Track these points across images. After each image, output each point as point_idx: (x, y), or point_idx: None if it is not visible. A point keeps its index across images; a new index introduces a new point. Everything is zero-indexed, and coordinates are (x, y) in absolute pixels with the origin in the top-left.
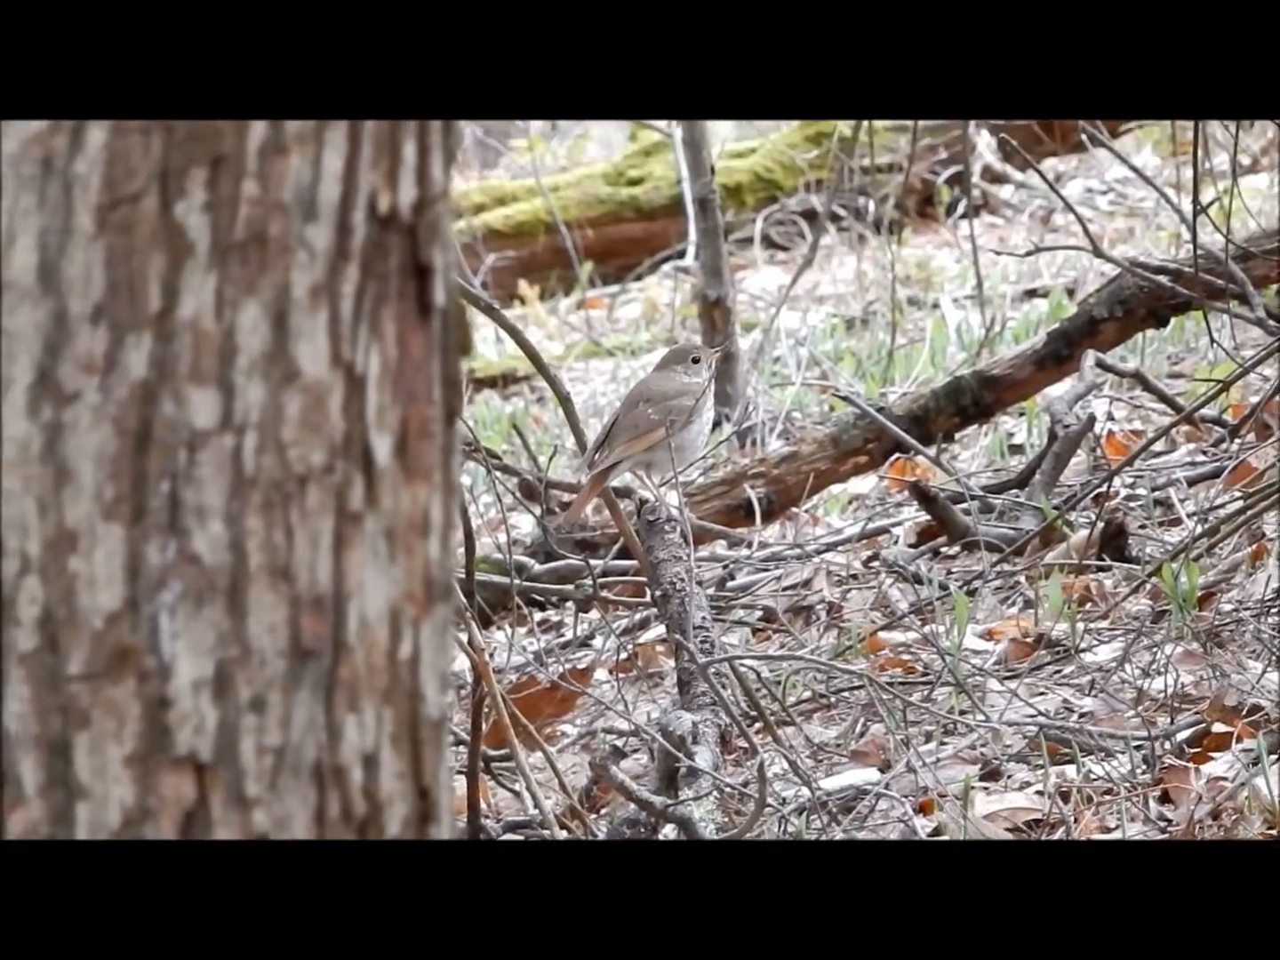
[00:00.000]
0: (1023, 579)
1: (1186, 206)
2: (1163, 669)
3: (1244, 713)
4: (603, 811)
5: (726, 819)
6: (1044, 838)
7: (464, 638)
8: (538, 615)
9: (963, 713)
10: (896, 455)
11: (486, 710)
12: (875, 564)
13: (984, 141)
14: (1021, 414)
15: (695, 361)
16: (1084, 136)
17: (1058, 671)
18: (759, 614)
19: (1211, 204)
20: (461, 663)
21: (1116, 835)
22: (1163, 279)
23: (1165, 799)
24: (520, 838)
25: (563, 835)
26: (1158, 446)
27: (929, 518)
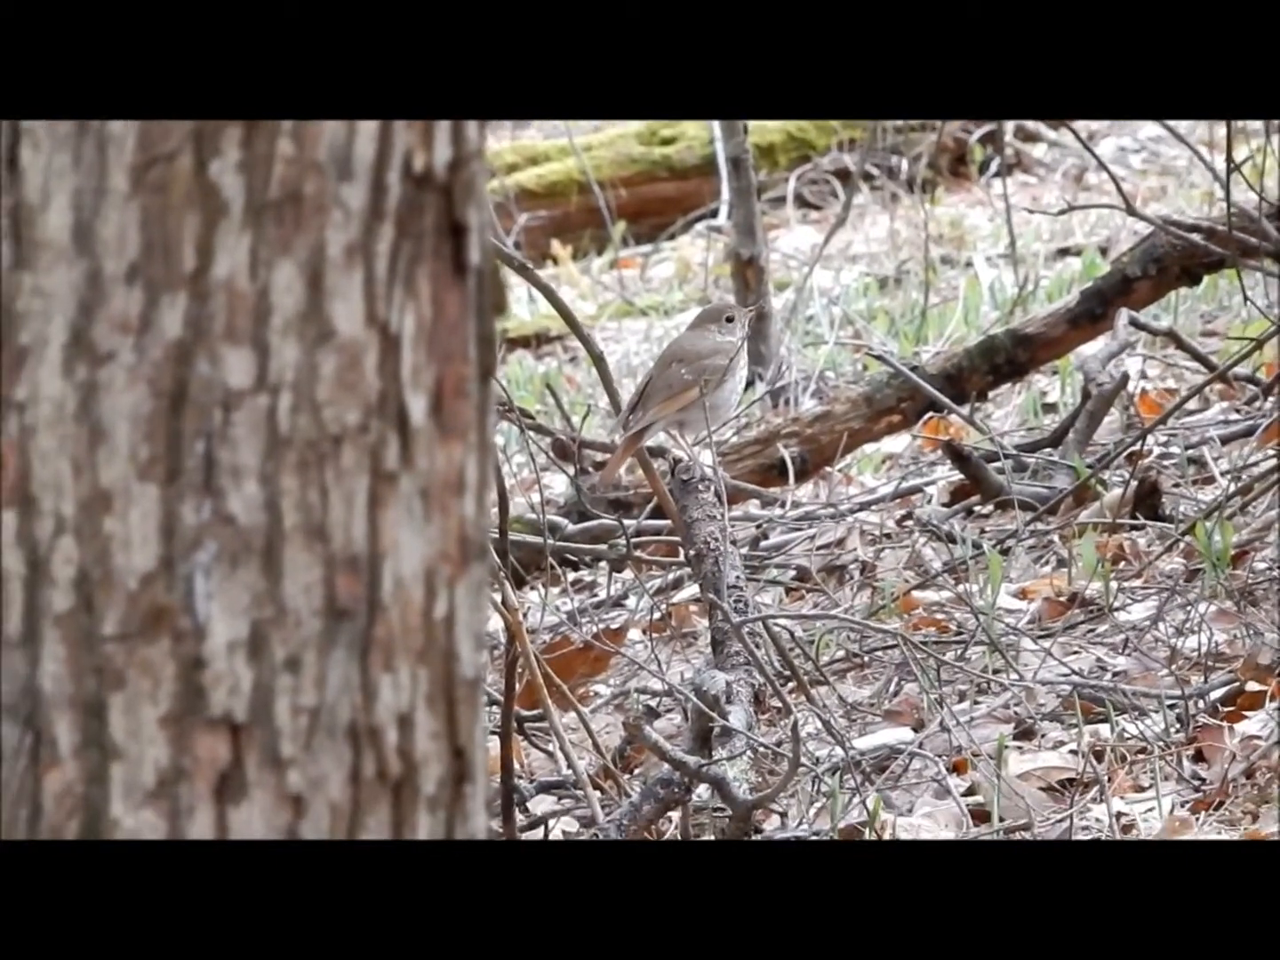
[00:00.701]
0: (1056, 538)
1: (1220, 164)
2: (1196, 628)
3: (1277, 671)
4: (636, 771)
5: (760, 779)
6: (1078, 797)
7: (498, 598)
8: (571, 575)
9: (996, 672)
10: (930, 414)
11: (520, 670)
12: (909, 523)
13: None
14: (1055, 373)
15: (729, 321)
16: None
17: (1091, 630)
18: (792, 573)
19: (1245, 161)
20: (495, 623)
21: (1150, 794)
22: (1196, 237)
23: (1199, 758)
24: (554, 799)
25: (596, 795)
26: (1191, 405)
27: (962, 477)
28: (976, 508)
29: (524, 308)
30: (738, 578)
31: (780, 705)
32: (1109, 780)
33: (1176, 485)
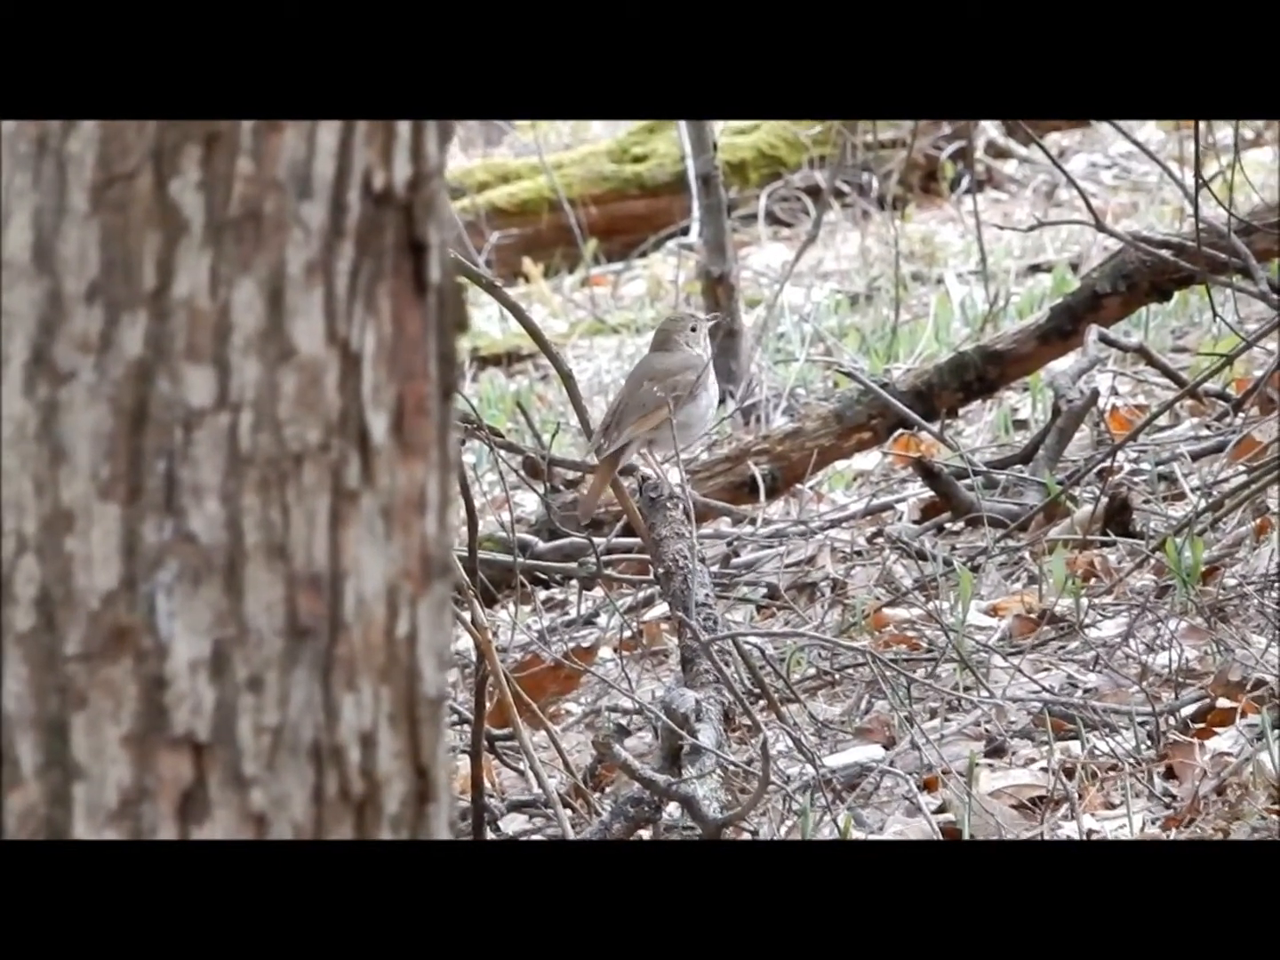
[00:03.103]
0: (1027, 554)
1: (1189, 181)
2: (1167, 644)
3: (1248, 688)
4: (606, 790)
5: (730, 797)
6: (1049, 815)
7: (467, 616)
8: (541, 593)
9: (967, 689)
10: (900, 431)
11: (490, 689)
12: (879, 540)
13: (988, 120)
14: (1025, 389)
15: (694, 331)
16: None
17: (1062, 647)
18: (763, 591)
19: (1214, 178)
20: (465, 641)
21: (1121, 811)
22: (1166, 253)
23: (1170, 775)
24: (524, 817)
25: (567, 814)
26: (1161, 421)
27: (933, 493)
28: (947, 525)
29: (495, 326)
30: (707, 595)
31: (750, 723)
32: (1080, 797)
33: (1147, 501)
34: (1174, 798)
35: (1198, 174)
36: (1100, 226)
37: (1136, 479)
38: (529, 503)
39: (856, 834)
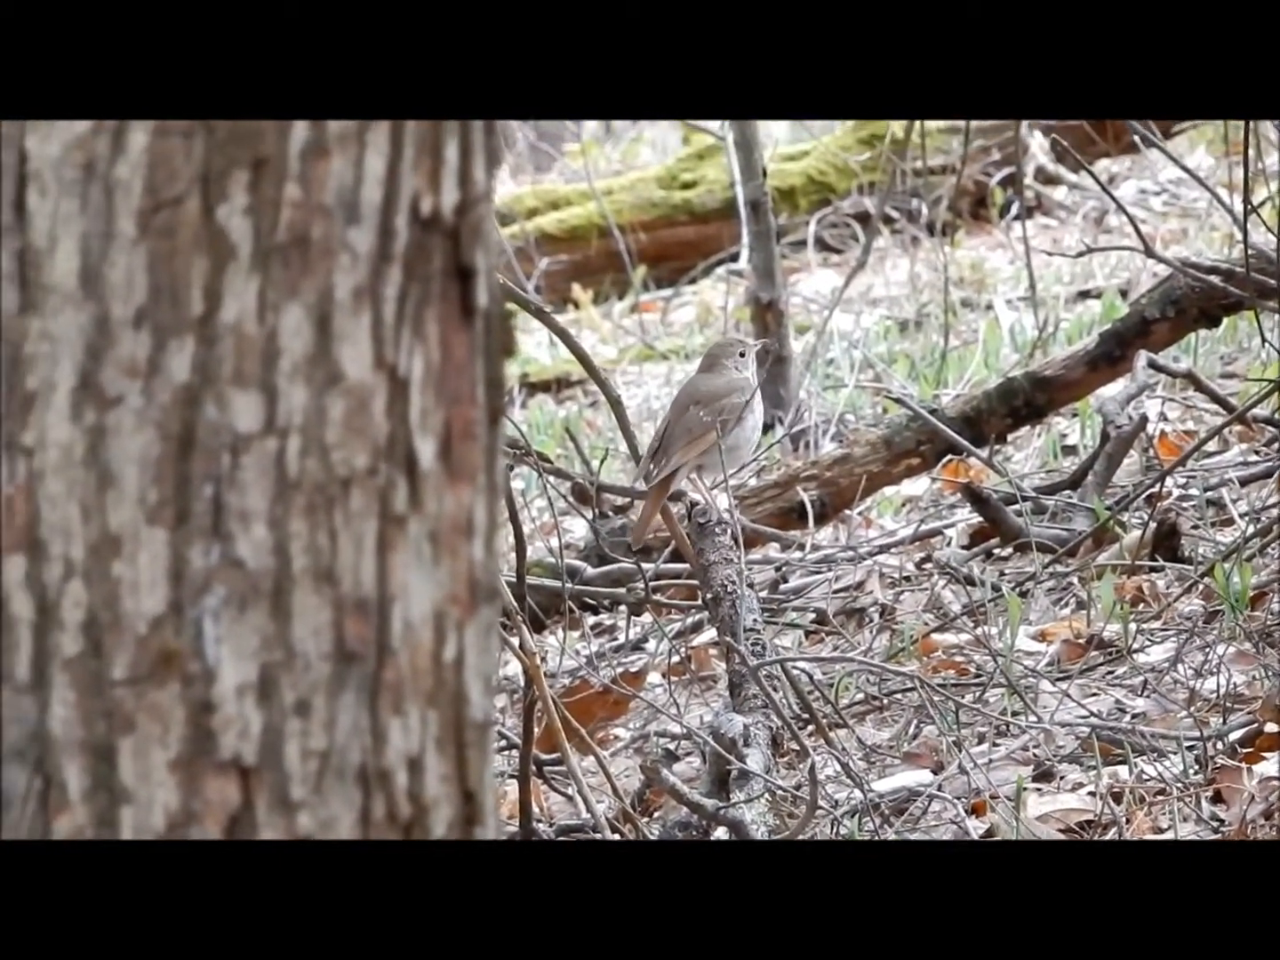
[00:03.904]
0: (1075, 580)
1: (1238, 206)
2: (1215, 669)
3: None
4: (655, 815)
5: (778, 821)
6: (1096, 839)
7: (516, 642)
8: (590, 619)
9: (1015, 714)
10: (949, 457)
11: (538, 714)
12: (928, 566)
13: (1036, 143)
14: (1074, 415)
15: (742, 355)
16: (1136, 137)
17: (1110, 672)
18: (811, 616)
19: (1263, 204)
20: (514, 667)
21: (1168, 836)
22: (1215, 279)
23: (1218, 799)
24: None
25: (615, 839)
26: (1210, 447)
27: (981, 519)
28: (995, 550)
29: (544, 352)
30: (755, 621)
31: (798, 748)
32: (1127, 822)
33: (1195, 527)
34: (1221, 822)
35: (1246, 199)
36: (1149, 252)
37: (1185, 504)
38: (578, 528)
39: None
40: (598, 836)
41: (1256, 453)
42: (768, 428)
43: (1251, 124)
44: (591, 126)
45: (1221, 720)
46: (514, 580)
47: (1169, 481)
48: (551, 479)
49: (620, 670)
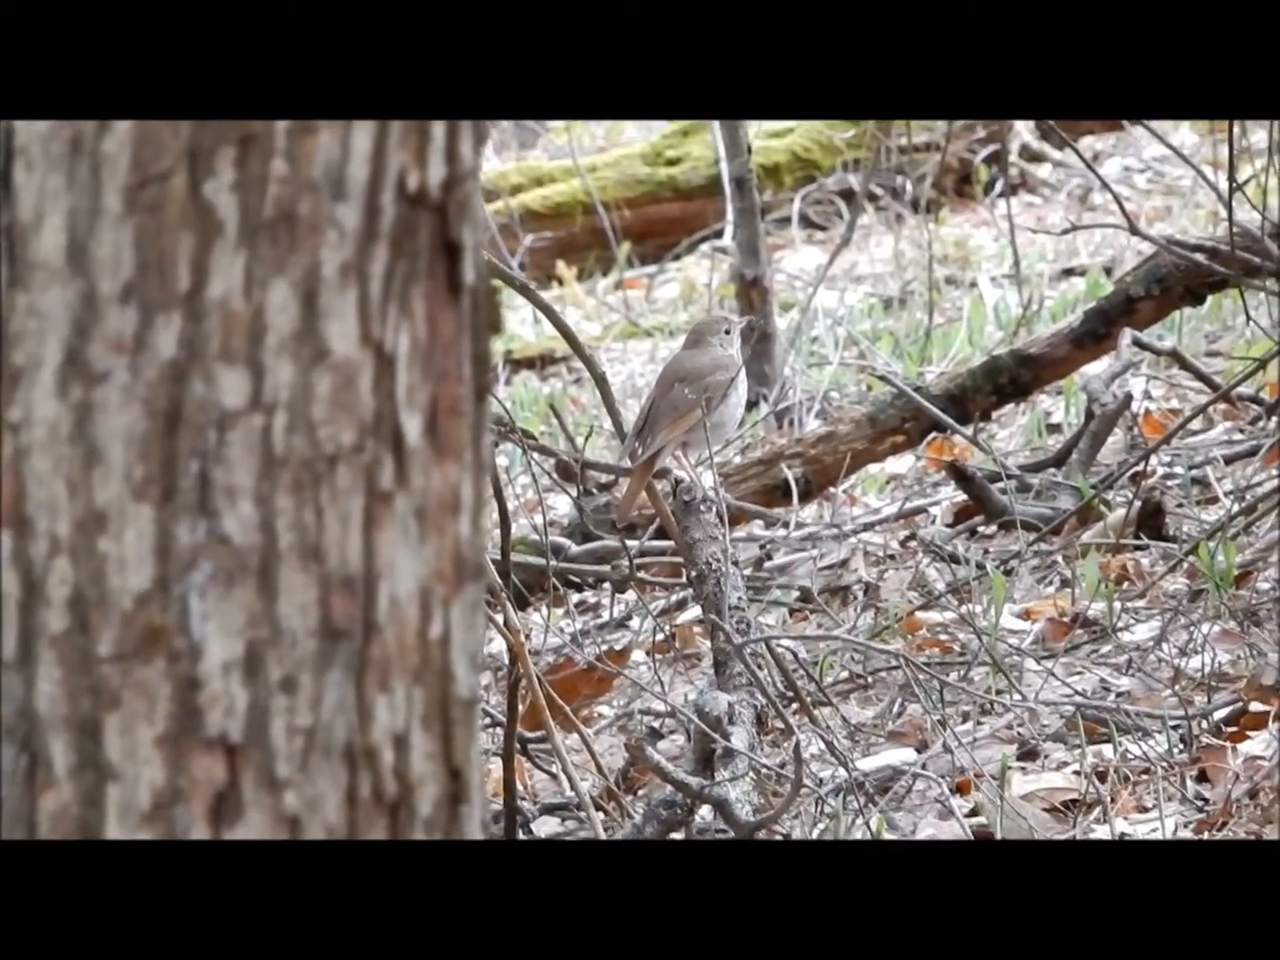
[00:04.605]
0: (1060, 558)
1: (1223, 184)
2: (1200, 648)
3: None
4: (639, 793)
5: (763, 800)
6: (1081, 818)
7: (500, 619)
8: (574, 596)
9: (999, 692)
10: (934, 434)
11: (523, 692)
12: (912, 543)
13: (1021, 121)
14: (1059, 393)
15: (727, 333)
16: None
17: (1095, 651)
18: (796, 594)
19: (1248, 181)
20: (498, 644)
21: (1153, 815)
22: (1199, 257)
23: (1202, 778)
24: (557, 820)
25: (599, 817)
26: (1195, 425)
27: (966, 497)
28: (980, 528)
29: (529, 329)
30: (740, 599)
31: (783, 726)
32: (1112, 801)
33: (1180, 505)
34: (1206, 801)
35: (1232, 177)
36: (1134, 230)
37: (1170, 483)
38: (562, 505)
39: (889, 837)
40: (582, 815)
41: (1241, 431)
42: (752, 405)
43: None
44: None
45: (1206, 699)
46: (498, 557)
47: (1153, 460)
48: (536, 456)
49: (604, 648)
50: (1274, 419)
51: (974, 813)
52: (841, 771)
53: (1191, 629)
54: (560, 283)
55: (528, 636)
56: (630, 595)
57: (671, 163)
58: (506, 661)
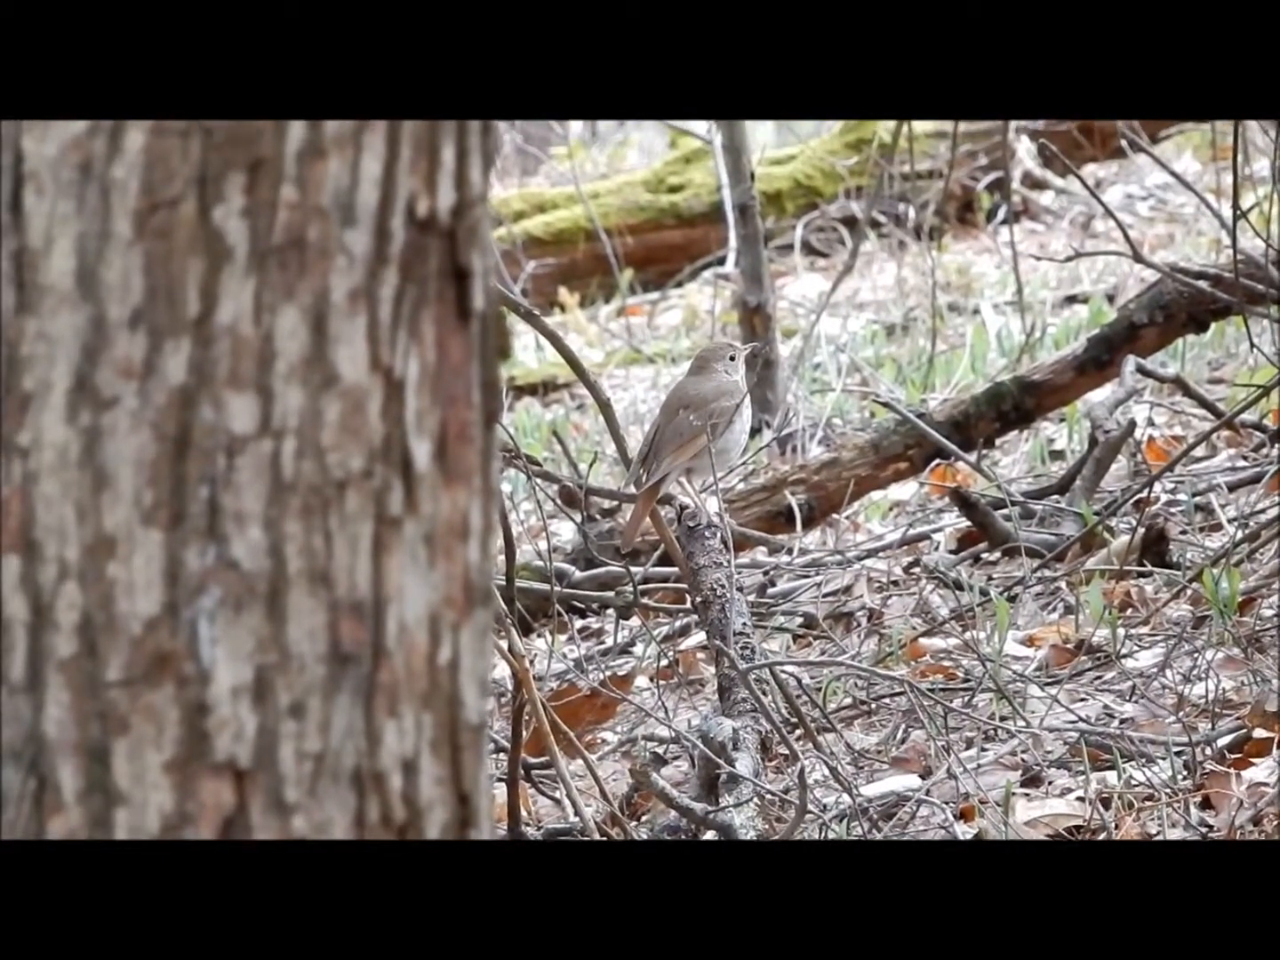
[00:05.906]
0: (1063, 585)
1: (1226, 212)
2: (1203, 674)
3: None
4: (643, 818)
5: (767, 826)
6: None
7: (504, 645)
8: (578, 622)
9: (1003, 719)
10: (937, 461)
11: (527, 717)
12: (916, 570)
13: (1024, 147)
14: (1062, 419)
15: (732, 359)
16: (1124, 142)
17: (1099, 677)
18: (800, 620)
19: (1252, 209)
20: (502, 670)
21: (1158, 841)
22: (1203, 284)
23: (1206, 805)
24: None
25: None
26: (1198, 452)
27: (970, 523)
28: (984, 555)
29: (531, 355)
30: (744, 624)
31: (787, 752)
32: (1116, 827)
33: (1184, 532)
34: (1210, 828)
35: (1235, 205)
36: (1137, 257)
37: (1173, 509)
38: (565, 531)
39: None
40: (586, 840)
41: (1244, 458)
42: (755, 431)
43: (1241, 129)
44: (578, 129)
45: (1210, 725)
46: (503, 583)
47: (1157, 486)
48: (540, 482)
49: (608, 674)
50: (1277, 446)
51: (977, 839)
52: (846, 797)
53: (1195, 655)
54: (563, 309)
55: (532, 662)
56: (634, 621)
57: (674, 189)
58: (511, 687)
